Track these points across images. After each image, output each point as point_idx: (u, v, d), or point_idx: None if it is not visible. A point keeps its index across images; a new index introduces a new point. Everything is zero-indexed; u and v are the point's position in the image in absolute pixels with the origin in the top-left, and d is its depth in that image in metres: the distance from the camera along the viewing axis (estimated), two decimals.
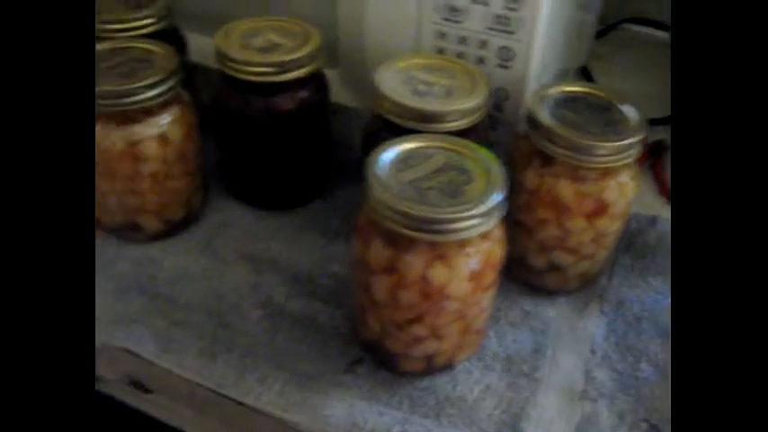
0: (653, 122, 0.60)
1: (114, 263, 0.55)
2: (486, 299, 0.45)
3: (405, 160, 0.43)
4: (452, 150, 0.44)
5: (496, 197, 0.40)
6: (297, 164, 0.58)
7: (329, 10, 0.59)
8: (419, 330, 0.44)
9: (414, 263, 0.41)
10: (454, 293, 0.42)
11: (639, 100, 0.50)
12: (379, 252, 0.42)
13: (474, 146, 0.44)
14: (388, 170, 0.42)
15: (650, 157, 0.66)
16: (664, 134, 0.68)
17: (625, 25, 0.90)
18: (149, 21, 0.57)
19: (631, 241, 0.58)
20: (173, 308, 0.52)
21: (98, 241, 0.57)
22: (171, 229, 0.57)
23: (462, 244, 0.41)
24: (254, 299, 0.52)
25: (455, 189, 0.41)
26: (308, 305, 0.52)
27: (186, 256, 0.56)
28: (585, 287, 0.55)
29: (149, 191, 0.53)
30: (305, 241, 0.57)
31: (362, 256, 0.43)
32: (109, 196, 0.53)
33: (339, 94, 0.60)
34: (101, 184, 0.53)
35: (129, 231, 0.56)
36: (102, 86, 0.49)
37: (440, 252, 0.41)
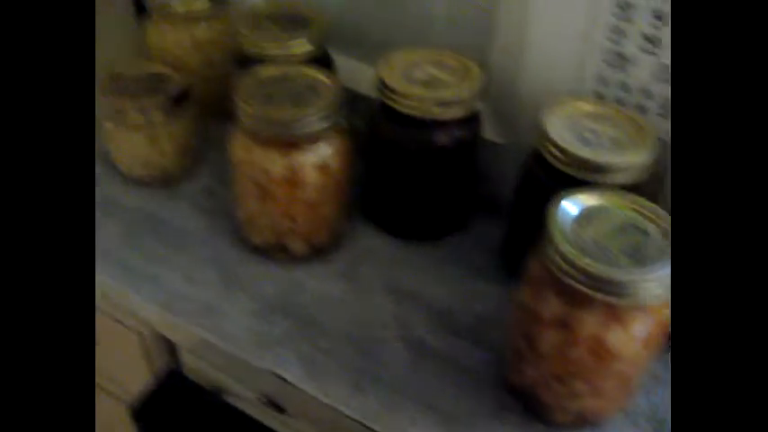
0: None
1: (259, 283, 0.56)
2: (652, 360, 0.44)
3: (586, 215, 0.42)
4: (632, 209, 0.43)
5: None
6: (443, 196, 0.58)
7: (485, 42, 0.59)
8: (580, 386, 0.44)
9: (589, 322, 0.41)
10: (626, 356, 0.41)
11: None
12: (552, 305, 0.42)
13: (651, 205, 0.43)
14: (570, 224, 0.41)
15: None
16: None
17: None
18: (308, 45, 0.58)
19: None
20: (317, 333, 0.52)
21: (243, 259, 0.58)
22: (315, 253, 0.57)
23: (640, 307, 0.40)
24: (398, 331, 0.53)
25: (637, 251, 0.40)
26: (451, 343, 0.52)
27: (330, 282, 0.56)
28: None
29: (302, 215, 0.54)
30: (447, 276, 0.57)
31: (532, 306, 0.43)
32: (262, 216, 0.54)
33: (485, 127, 0.60)
34: (256, 204, 0.54)
35: (276, 252, 0.57)
36: (271, 113, 0.49)
37: (617, 314, 0.40)
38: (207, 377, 0.61)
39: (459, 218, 0.61)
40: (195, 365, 0.61)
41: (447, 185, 0.57)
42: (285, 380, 0.50)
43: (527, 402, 0.48)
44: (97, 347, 0.68)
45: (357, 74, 0.64)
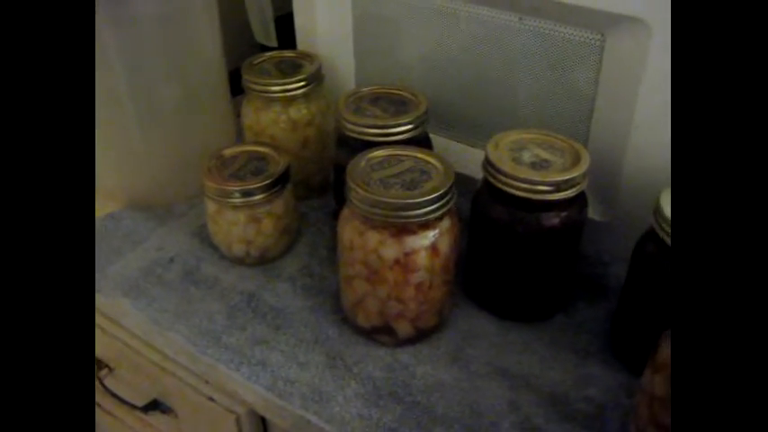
0: None
1: (365, 365, 0.55)
2: None
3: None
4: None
5: None
6: (548, 277, 0.57)
7: (583, 128, 0.59)
8: None
9: None
10: None
11: None
12: None
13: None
14: None
15: None
16: None
17: None
18: (409, 127, 0.59)
19: None
20: (430, 419, 0.51)
21: (348, 341, 0.57)
22: (420, 336, 0.57)
23: None
24: (513, 418, 0.51)
25: None
26: (567, 430, 0.51)
27: (437, 365, 0.55)
28: None
29: (412, 299, 0.53)
30: (557, 359, 0.56)
31: (665, 395, 0.42)
32: (370, 299, 0.54)
33: None
34: (364, 287, 0.54)
35: (381, 334, 0.56)
36: (384, 198, 0.50)
37: None
38: None
39: (562, 299, 0.60)
40: None
41: (553, 266, 0.57)
42: None
43: None
44: (189, 425, 0.68)
45: (455, 154, 0.65)
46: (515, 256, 0.56)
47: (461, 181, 0.56)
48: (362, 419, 0.52)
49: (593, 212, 0.61)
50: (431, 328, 0.57)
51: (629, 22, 0.53)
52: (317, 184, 0.74)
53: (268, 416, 0.58)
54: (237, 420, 0.64)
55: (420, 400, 0.53)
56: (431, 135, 0.65)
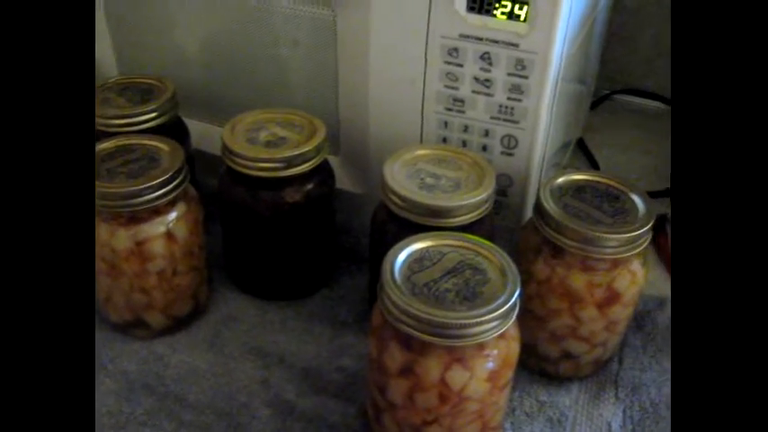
0: (652, 195, 0.60)
1: (120, 361, 0.54)
2: (504, 396, 0.45)
3: (419, 261, 0.43)
4: (465, 248, 0.44)
5: (514, 297, 0.40)
6: (303, 254, 0.58)
7: (331, 101, 0.60)
8: None
9: (431, 367, 0.41)
10: (473, 395, 0.41)
11: (637, 172, 0.51)
12: (395, 355, 0.42)
13: (486, 243, 0.44)
14: (403, 273, 0.42)
15: (653, 232, 0.66)
16: (662, 207, 0.68)
17: (615, 96, 0.91)
18: (155, 114, 0.58)
19: (640, 323, 0.58)
20: (181, 408, 0.51)
21: (102, 338, 0.56)
22: (177, 325, 0.56)
23: (480, 346, 0.41)
24: (264, 397, 0.51)
25: (471, 290, 0.41)
26: (319, 402, 0.51)
27: (193, 353, 0.55)
28: (598, 372, 0.54)
29: (156, 288, 0.53)
30: (313, 333, 0.56)
31: (378, 357, 0.43)
32: (115, 294, 0.53)
33: (341, 180, 0.61)
34: (107, 282, 0.52)
35: (135, 328, 0.55)
36: (109, 188, 0.48)
37: (457, 355, 0.40)
38: None
39: (323, 273, 0.61)
40: None
41: (305, 242, 0.57)
42: None
43: None
44: None
45: (216, 137, 0.64)
46: (264, 235, 0.56)
47: (221, 165, 0.55)
48: (112, 415, 0.50)
49: (351, 185, 0.62)
50: (186, 315, 0.56)
51: None
52: None
53: None
54: None
55: (173, 389, 0.52)
56: (189, 120, 0.64)
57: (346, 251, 0.63)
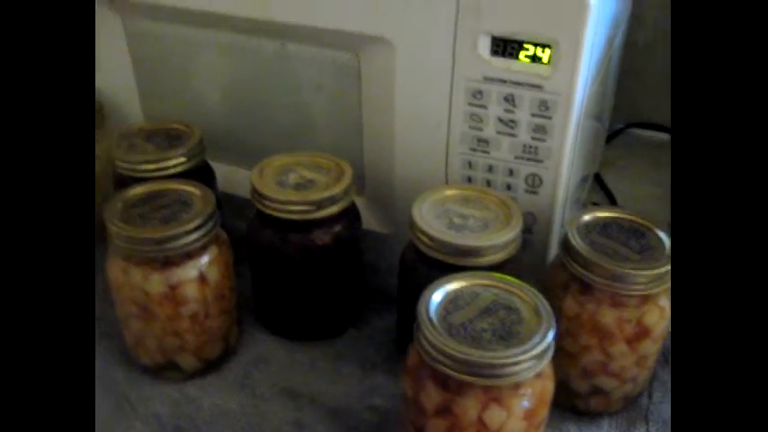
0: None
1: (151, 404, 0.54)
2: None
3: (453, 301, 0.43)
4: (497, 287, 0.44)
5: (549, 337, 0.41)
6: (331, 295, 0.58)
7: (356, 144, 0.61)
8: None
9: (469, 406, 0.41)
10: None
11: (654, 204, 0.51)
12: (432, 395, 0.42)
13: (518, 282, 0.44)
14: (439, 312, 0.42)
15: None
16: None
17: (630, 130, 0.93)
18: (183, 160, 0.59)
19: (668, 357, 0.58)
20: None
21: (132, 381, 0.56)
22: (208, 367, 0.56)
23: (517, 385, 0.41)
24: None
25: (507, 330, 0.41)
26: None
27: (224, 394, 0.55)
28: (629, 407, 0.54)
29: (188, 331, 0.53)
30: (343, 374, 0.56)
31: (415, 397, 0.43)
32: (147, 337, 0.53)
33: (366, 220, 0.61)
34: (139, 326, 0.53)
35: (167, 371, 0.55)
36: (143, 234, 0.49)
37: (494, 394, 0.41)
38: None
39: (351, 313, 0.61)
40: None
41: (333, 283, 0.58)
42: None
43: None
44: None
45: (242, 180, 0.65)
46: (293, 277, 0.56)
47: (248, 205, 0.56)
48: None
49: (377, 225, 0.63)
50: (217, 357, 0.57)
51: (376, 43, 0.55)
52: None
53: None
54: None
55: (206, 431, 0.52)
56: (216, 164, 0.65)
57: (374, 291, 0.63)
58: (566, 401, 0.54)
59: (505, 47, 0.51)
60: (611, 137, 0.91)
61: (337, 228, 0.55)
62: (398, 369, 0.56)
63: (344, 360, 0.58)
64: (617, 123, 0.92)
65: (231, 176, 0.68)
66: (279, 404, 0.54)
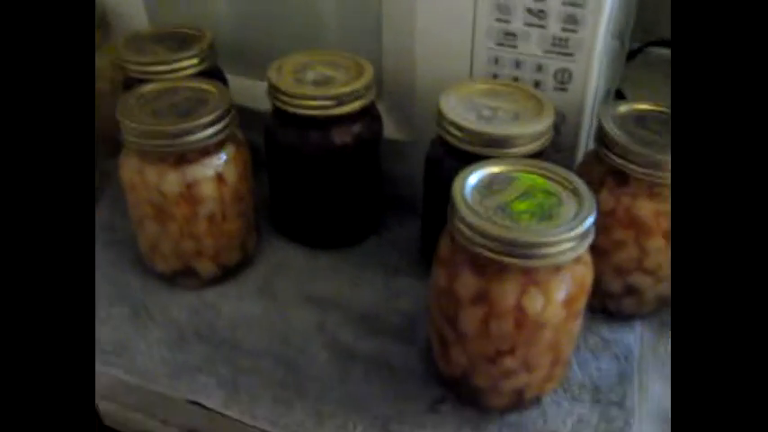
0: None
1: (169, 310, 0.53)
2: (577, 326, 0.43)
3: (488, 185, 0.41)
4: (535, 172, 0.42)
5: (590, 219, 0.39)
6: (351, 200, 0.56)
7: (375, 42, 0.58)
8: (510, 363, 0.42)
9: (507, 291, 0.39)
10: (549, 321, 0.40)
11: None
12: (468, 282, 0.40)
13: (557, 168, 0.42)
14: (473, 196, 0.40)
15: None
16: None
17: (649, 48, 0.90)
18: (196, 61, 0.56)
19: None
20: (237, 355, 0.49)
21: (148, 288, 0.54)
22: (225, 275, 0.54)
23: (557, 269, 0.39)
24: (321, 340, 0.50)
25: (547, 213, 0.39)
26: (379, 345, 0.50)
27: (244, 301, 0.53)
28: (661, 310, 0.53)
29: (206, 234, 0.51)
30: (366, 279, 0.55)
31: (448, 287, 0.41)
32: (163, 241, 0.51)
33: (385, 126, 0.59)
34: (154, 229, 0.51)
35: (183, 278, 0.54)
36: (157, 127, 0.47)
37: (534, 278, 0.39)
38: (127, 423, 0.57)
39: (370, 221, 0.59)
40: (112, 412, 0.57)
41: (354, 187, 0.56)
42: (208, 408, 0.47)
43: (461, 391, 0.46)
44: None
45: (253, 91, 0.62)
46: (312, 179, 0.54)
47: (260, 118, 0.54)
48: (166, 364, 0.49)
49: (395, 132, 0.61)
50: (236, 264, 0.55)
51: None
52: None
53: None
54: None
55: (227, 336, 0.51)
56: (229, 75, 0.62)
57: (392, 200, 0.61)
58: (597, 303, 0.52)
59: None
60: (633, 55, 0.88)
61: (357, 128, 0.53)
62: (423, 272, 0.54)
63: (367, 266, 0.56)
64: (636, 42, 0.89)
65: (242, 87, 0.65)
66: (302, 309, 0.52)
